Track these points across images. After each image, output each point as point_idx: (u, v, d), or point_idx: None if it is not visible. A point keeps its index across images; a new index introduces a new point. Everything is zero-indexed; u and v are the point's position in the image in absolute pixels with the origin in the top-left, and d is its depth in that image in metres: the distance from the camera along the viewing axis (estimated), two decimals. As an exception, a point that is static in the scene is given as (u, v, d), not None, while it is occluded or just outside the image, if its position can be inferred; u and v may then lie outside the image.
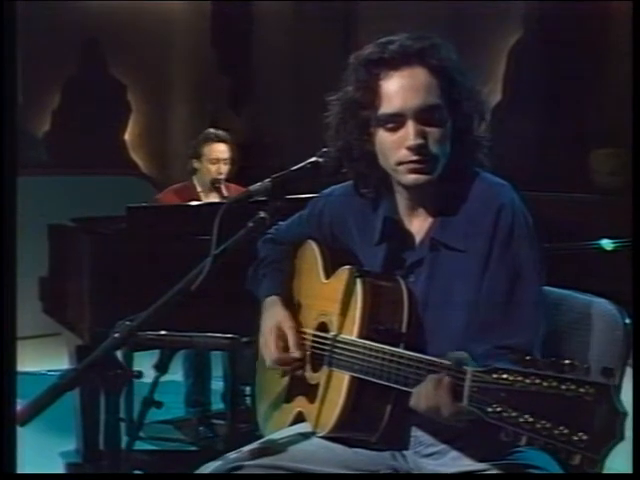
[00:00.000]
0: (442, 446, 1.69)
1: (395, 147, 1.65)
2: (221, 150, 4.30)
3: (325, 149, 1.74)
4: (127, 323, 1.48)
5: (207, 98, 6.96)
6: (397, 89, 1.63)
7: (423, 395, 1.47)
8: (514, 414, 1.22)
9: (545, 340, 1.72)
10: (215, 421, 4.01)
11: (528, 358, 1.23)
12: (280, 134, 6.78)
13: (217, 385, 4.22)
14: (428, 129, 1.64)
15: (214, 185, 4.27)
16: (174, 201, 4.17)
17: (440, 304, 1.67)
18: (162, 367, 1.77)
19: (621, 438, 1.14)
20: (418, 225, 1.74)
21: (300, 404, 1.82)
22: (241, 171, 4.36)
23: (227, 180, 4.30)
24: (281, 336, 1.82)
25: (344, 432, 1.67)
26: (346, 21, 6.59)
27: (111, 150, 6.68)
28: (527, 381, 1.22)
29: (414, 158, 1.63)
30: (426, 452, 1.71)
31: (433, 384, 1.44)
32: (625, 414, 1.15)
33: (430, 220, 1.72)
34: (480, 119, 1.70)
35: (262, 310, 1.91)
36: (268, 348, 1.83)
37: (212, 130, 4.41)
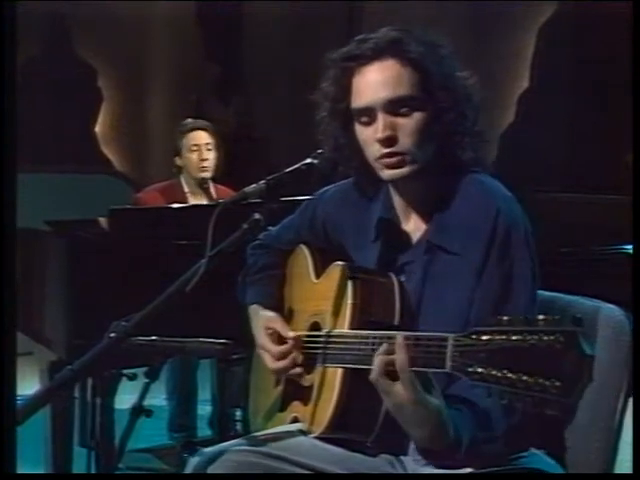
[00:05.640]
0: (443, 452, 1.92)
1: (370, 142, 1.93)
2: (201, 136, 4.51)
3: (319, 150, 2.02)
4: (123, 323, 1.75)
5: (191, 86, 7.03)
6: (367, 83, 1.91)
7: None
8: (493, 372, 1.48)
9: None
10: (201, 448, 4.19)
11: (505, 318, 1.50)
12: (271, 127, 6.93)
13: (204, 409, 4.39)
14: (399, 121, 1.89)
15: (202, 186, 4.51)
16: (158, 201, 4.36)
17: (431, 307, 1.92)
18: (153, 374, 2.02)
19: (589, 380, 1.40)
20: (414, 224, 2.00)
21: (295, 409, 2.07)
22: (230, 167, 4.61)
23: (214, 180, 4.54)
24: (272, 333, 2.10)
25: (339, 432, 1.91)
26: (344, 11, 6.80)
27: (79, 145, 6.76)
28: (503, 337, 1.48)
29: (385, 151, 1.90)
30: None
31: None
32: (592, 357, 1.41)
33: (426, 219, 1.97)
34: (469, 111, 1.93)
35: (249, 320, 2.20)
36: (265, 349, 2.10)
37: (190, 120, 4.65)
